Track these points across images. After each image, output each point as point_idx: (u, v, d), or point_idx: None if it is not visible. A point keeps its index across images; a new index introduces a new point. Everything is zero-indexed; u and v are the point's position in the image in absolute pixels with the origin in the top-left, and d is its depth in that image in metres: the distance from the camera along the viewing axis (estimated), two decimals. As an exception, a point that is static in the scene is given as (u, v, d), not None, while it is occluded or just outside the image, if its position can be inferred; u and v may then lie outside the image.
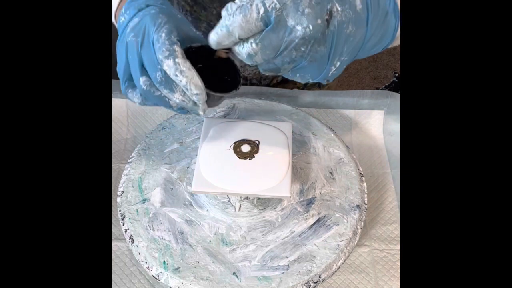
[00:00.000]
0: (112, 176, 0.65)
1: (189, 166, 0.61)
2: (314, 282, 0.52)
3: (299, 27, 0.39)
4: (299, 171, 0.61)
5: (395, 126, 0.73)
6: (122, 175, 0.61)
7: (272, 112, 0.68)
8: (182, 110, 0.47)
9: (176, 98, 0.45)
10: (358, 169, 0.62)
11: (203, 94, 0.44)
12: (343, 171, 0.62)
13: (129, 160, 0.63)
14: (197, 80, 0.44)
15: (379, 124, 0.74)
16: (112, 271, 0.57)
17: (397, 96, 0.74)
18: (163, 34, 0.44)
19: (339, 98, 0.75)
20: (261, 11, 0.39)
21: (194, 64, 0.46)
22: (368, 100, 0.74)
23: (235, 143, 0.57)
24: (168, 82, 0.44)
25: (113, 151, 0.68)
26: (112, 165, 0.66)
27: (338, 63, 0.42)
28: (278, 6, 0.38)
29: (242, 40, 0.41)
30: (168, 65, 0.43)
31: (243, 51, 0.41)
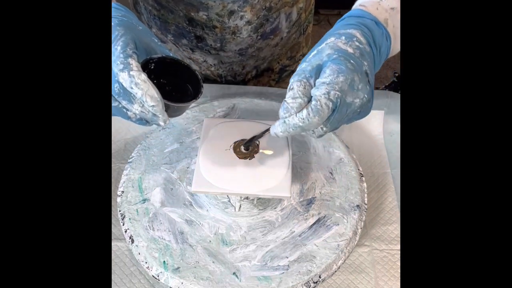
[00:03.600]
0: (112, 176, 0.65)
1: (189, 166, 0.61)
2: (314, 282, 0.52)
3: (357, 100, 0.45)
4: (299, 171, 0.61)
5: (395, 126, 0.73)
6: (122, 175, 0.61)
7: (272, 112, 0.68)
8: (141, 121, 0.48)
9: (135, 109, 0.46)
10: (358, 169, 0.62)
11: (159, 105, 0.45)
12: (343, 171, 0.62)
13: (129, 160, 0.63)
14: (153, 92, 0.45)
15: (379, 124, 0.74)
16: (112, 271, 0.57)
17: (397, 96, 0.74)
18: (118, 47, 0.45)
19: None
20: (330, 105, 0.43)
21: (155, 75, 0.47)
22: (368, 100, 0.74)
23: (235, 143, 0.57)
24: (126, 94, 0.45)
25: (113, 151, 0.68)
26: (112, 165, 0.66)
27: (373, 98, 0.48)
28: (340, 94, 0.44)
29: None
30: (123, 78, 0.44)
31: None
